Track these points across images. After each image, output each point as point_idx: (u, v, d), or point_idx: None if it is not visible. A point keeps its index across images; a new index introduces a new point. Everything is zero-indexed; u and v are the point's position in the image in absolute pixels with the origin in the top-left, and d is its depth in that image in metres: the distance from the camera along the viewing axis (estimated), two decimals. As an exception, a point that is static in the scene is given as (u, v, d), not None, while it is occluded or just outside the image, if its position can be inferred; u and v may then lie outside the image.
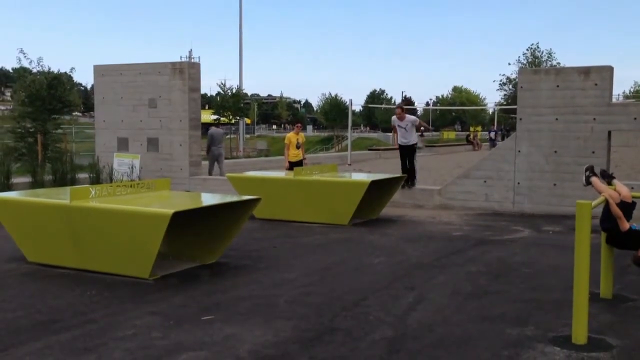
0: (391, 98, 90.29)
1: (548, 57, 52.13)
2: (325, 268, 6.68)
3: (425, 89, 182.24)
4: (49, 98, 18.42)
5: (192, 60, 34.79)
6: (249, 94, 70.56)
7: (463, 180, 11.48)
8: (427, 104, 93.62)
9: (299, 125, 13.84)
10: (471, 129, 54.17)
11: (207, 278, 6.22)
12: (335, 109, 61.83)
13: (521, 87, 11.00)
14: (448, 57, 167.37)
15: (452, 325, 4.74)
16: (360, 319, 4.87)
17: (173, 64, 13.74)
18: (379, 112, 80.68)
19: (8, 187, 10.86)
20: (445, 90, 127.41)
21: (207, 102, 56.49)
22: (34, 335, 4.44)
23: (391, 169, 18.94)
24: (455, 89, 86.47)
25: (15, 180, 11.75)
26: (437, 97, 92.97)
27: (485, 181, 11.16)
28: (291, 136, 13.15)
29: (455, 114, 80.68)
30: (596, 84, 10.29)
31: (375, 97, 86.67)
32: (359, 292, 5.66)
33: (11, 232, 6.91)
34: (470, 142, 42.98)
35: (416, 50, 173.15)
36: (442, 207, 11.33)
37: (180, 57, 49.15)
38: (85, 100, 55.36)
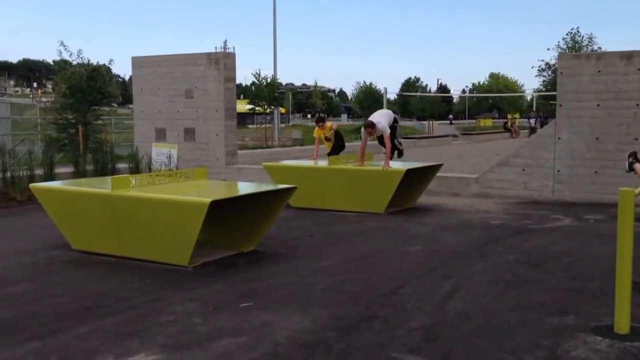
0: (426, 86, 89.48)
1: (589, 41, 50.89)
2: (361, 256, 6.69)
3: (461, 76, 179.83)
4: (88, 90, 18.84)
5: (227, 51, 35.01)
6: (284, 83, 70.81)
7: (501, 168, 11.32)
8: (463, 91, 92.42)
9: (320, 124, 12.68)
10: (509, 116, 53.26)
11: (245, 266, 6.30)
12: (369, 98, 61.67)
13: (561, 72, 10.76)
14: (485, 44, 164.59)
15: (490, 313, 4.70)
16: (397, 307, 4.87)
17: (209, 54, 13.86)
18: (413, 100, 80.00)
19: (52, 177, 11.15)
20: (481, 77, 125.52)
21: (242, 92, 56.88)
22: (79, 320, 4.57)
23: (427, 157, 18.79)
24: (492, 75, 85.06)
25: (59, 170, 12.05)
26: (473, 84, 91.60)
27: (523, 169, 10.99)
28: (317, 131, 12.71)
29: (492, 101, 79.44)
30: (639, 69, 10.01)
31: (410, 85, 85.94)
32: (395, 280, 5.66)
33: (56, 220, 7.11)
34: (507, 129, 42.30)
35: (452, 37, 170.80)
36: (479, 195, 11.20)
37: (215, 47, 49.51)
38: (124, 91, 56.36)
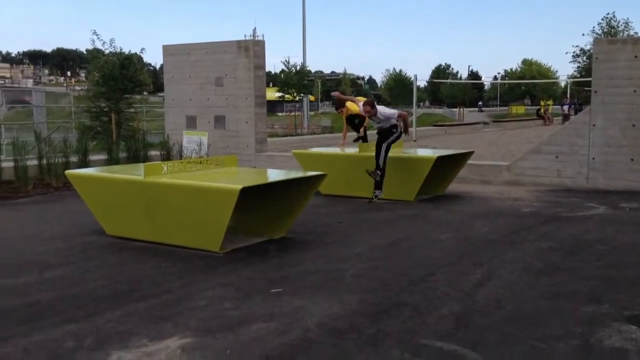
0: (457, 72, 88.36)
1: (625, 26, 49.62)
2: (390, 243, 6.68)
3: (493, 62, 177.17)
4: (121, 78, 19.06)
5: (257, 38, 35.07)
6: (313, 70, 70.63)
7: (533, 156, 11.15)
8: (495, 78, 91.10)
9: (341, 110, 11.71)
10: (542, 103, 52.32)
11: (275, 252, 6.34)
12: (399, 85, 61.15)
13: (596, 58, 10.52)
14: (518, 29, 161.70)
15: (522, 301, 4.66)
16: (427, 293, 4.86)
17: (238, 42, 13.91)
18: (444, 87, 79.14)
19: (86, 164, 11.36)
20: (514, 64, 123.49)
21: (272, 79, 56.97)
22: (114, 303, 4.67)
23: (457, 145, 18.62)
24: (525, 62, 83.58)
25: (93, 157, 12.27)
26: (505, 70, 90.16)
27: (557, 156, 10.81)
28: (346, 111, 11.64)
29: (525, 88, 78.09)
30: (679, 53, 9.73)
31: (441, 72, 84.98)
32: (425, 267, 5.64)
33: (90, 206, 7.25)
34: (540, 116, 41.61)
35: (484, 23, 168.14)
36: (511, 183, 11.06)
37: (245, 35, 49.68)
38: (155, 80, 56.94)
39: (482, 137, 26.33)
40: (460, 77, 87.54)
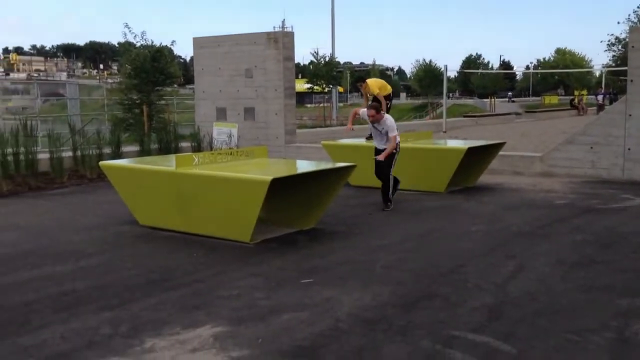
0: (488, 63, 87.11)
1: (663, 13, 48.11)
2: (421, 235, 6.65)
3: (525, 52, 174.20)
4: (152, 70, 19.24)
5: (286, 30, 35.08)
6: (342, 62, 70.48)
7: (567, 147, 10.95)
8: (527, 67, 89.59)
9: (360, 84, 11.01)
10: (576, 92, 51.34)
11: (305, 243, 6.37)
12: (429, 76, 60.51)
13: (632, 46, 10.26)
14: (550, 18, 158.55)
15: (556, 294, 4.59)
16: (459, 285, 4.82)
17: (268, 33, 13.93)
18: (475, 77, 78.08)
19: (119, 155, 11.54)
20: (547, 53, 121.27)
21: (301, 71, 56.97)
22: (148, 292, 4.75)
23: (488, 135, 18.38)
24: (558, 51, 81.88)
25: (125, 149, 12.46)
26: (538, 60, 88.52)
27: (591, 147, 10.59)
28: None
29: (558, 78, 76.58)
30: None
31: (471, 62, 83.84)
32: (456, 259, 5.60)
33: (123, 196, 7.37)
34: (574, 106, 40.78)
35: (515, 12, 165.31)
36: (544, 174, 10.89)
37: (274, 27, 49.77)
38: (185, 72, 57.43)
39: (514, 127, 25.95)
40: (492, 67, 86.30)
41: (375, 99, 10.45)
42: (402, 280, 4.99)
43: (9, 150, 10.17)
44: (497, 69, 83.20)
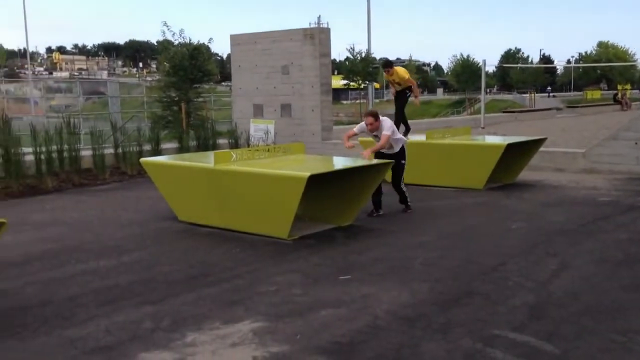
0: (527, 57, 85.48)
1: None
2: (459, 232, 6.58)
3: (566, 46, 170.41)
4: (190, 68, 19.47)
5: (321, 26, 35.08)
6: (378, 57, 70.08)
7: (610, 142, 10.68)
8: (569, 61, 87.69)
9: (387, 69, 10.33)
10: (619, 87, 49.92)
11: (342, 239, 6.37)
12: (467, 71, 59.74)
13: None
14: (592, 10, 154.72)
15: (600, 293, 4.49)
16: (499, 283, 4.76)
17: (304, 30, 13.95)
18: (514, 72, 76.77)
19: (158, 152, 11.73)
20: (589, 47, 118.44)
21: (336, 67, 56.89)
22: (188, 287, 4.82)
23: (528, 131, 18.05)
24: (600, 44, 79.85)
25: (164, 145, 12.66)
26: (579, 54, 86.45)
27: (636, 143, 10.30)
28: (386, 76, 10.71)
29: (601, 72, 74.66)
30: None
31: (510, 56, 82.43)
32: (496, 256, 5.52)
33: (163, 193, 7.49)
34: (618, 101, 39.75)
35: (556, 5, 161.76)
36: (586, 171, 10.64)
37: (310, 23, 49.78)
38: (221, 69, 57.97)
39: (555, 123, 25.43)
40: (531, 61, 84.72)
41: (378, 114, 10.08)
42: (441, 277, 4.95)
43: (54, 147, 10.44)
44: (537, 64, 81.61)
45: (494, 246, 5.93)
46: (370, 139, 8.89)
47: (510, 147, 9.12)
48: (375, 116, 7.43)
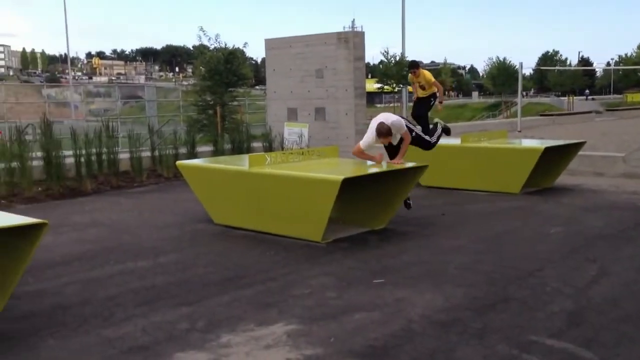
0: (566, 59, 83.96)
1: None
2: (495, 236, 6.49)
3: (605, 48, 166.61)
4: (225, 72, 19.72)
5: (355, 30, 35.06)
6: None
7: (652, 146, 10.40)
8: (608, 64, 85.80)
9: (413, 70, 10.21)
10: (660, 89, 48.63)
11: (376, 243, 6.35)
12: (503, 74, 59.00)
13: None
14: (633, 12, 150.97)
15: (641, 300, 4.38)
16: (537, 289, 4.68)
17: (338, 34, 13.96)
18: (551, 75, 75.47)
19: (194, 155, 11.88)
20: (629, 49, 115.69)
21: (370, 71, 56.82)
22: (222, 289, 4.87)
23: (566, 135, 17.71)
24: (641, 46, 77.93)
25: (200, 149, 12.81)
26: (619, 56, 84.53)
27: (679, 146, 10.02)
28: (410, 77, 10.46)
29: (642, 74, 72.83)
30: None
31: (548, 59, 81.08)
32: (533, 261, 5.43)
33: (199, 195, 7.58)
34: (659, 104, 38.68)
35: (595, 6, 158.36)
36: (627, 175, 10.39)
37: (343, 27, 49.94)
38: (256, 73, 58.41)
39: (594, 127, 24.90)
40: (570, 64, 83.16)
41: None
42: (476, 282, 4.89)
43: (93, 150, 10.66)
44: (575, 66, 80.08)
45: (531, 251, 5.83)
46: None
47: (547, 150, 8.97)
48: (389, 133, 7.04)
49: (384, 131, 6.95)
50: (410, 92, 13.74)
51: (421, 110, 10.23)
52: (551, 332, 3.84)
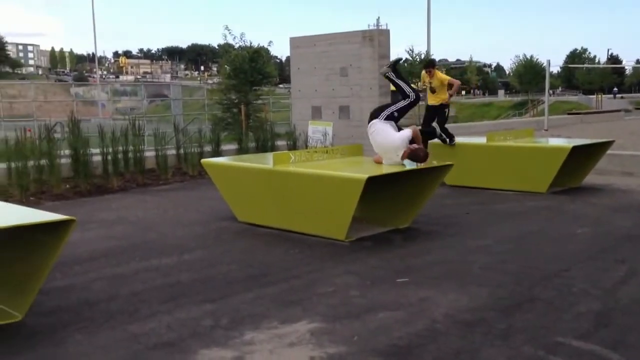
0: (594, 57, 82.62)
1: None
2: (521, 236, 6.41)
3: (635, 45, 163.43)
4: (250, 71, 19.82)
5: (380, 28, 34.88)
6: (437, 59, 69.18)
7: (683, 145, 10.18)
8: (638, 61, 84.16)
9: (429, 70, 10.08)
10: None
11: (400, 242, 6.32)
12: (530, 72, 58.28)
13: None
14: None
15: (671, 303, 4.29)
16: (563, 290, 4.61)
17: (363, 32, 13.92)
18: (579, 73, 74.32)
19: (218, 154, 11.95)
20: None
21: (395, 69, 56.49)
22: (246, 286, 4.89)
23: (594, 134, 17.42)
24: (672, 42, 76.23)
25: (224, 147, 12.89)
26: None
27: None
28: (424, 75, 10.22)
29: (674, 72, 71.34)
30: None
31: (576, 56, 79.86)
32: (560, 262, 5.36)
33: (223, 193, 7.63)
34: (691, 102, 37.85)
35: (625, 3, 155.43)
36: (657, 174, 10.19)
37: (368, 25, 49.75)
38: (280, 71, 58.59)
39: (623, 125, 24.44)
40: (599, 61, 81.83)
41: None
42: (502, 282, 4.84)
43: (119, 148, 10.80)
44: (604, 64, 78.72)
45: (558, 251, 5.76)
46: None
47: (575, 149, 8.84)
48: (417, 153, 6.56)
49: (417, 150, 6.47)
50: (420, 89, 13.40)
51: (437, 117, 9.87)
52: (578, 333, 3.78)
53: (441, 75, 10.23)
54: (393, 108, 6.93)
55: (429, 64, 10.36)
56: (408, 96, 6.98)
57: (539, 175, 8.94)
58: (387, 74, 7.08)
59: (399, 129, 6.87)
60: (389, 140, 6.68)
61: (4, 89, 29.54)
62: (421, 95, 9.72)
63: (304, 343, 3.76)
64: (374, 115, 6.96)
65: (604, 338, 3.70)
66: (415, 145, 6.58)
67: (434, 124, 9.84)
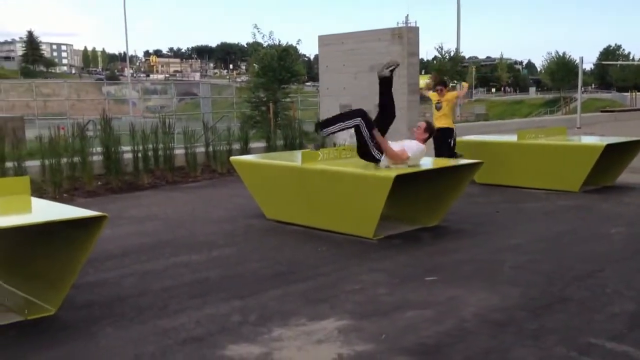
0: (629, 54, 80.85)
1: None
2: (553, 236, 6.31)
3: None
4: (279, 69, 19.86)
5: (409, 25, 34.71)
6: (467, 56, 68.49)
7: None
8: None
9: (439, 88, 10.51)
10: None
11: (429, 240, 6.27)
12: (562, 69, 57.33)
13: None
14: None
15: None
16: (596, 290, 4.52)
17: (392, 29, 13.85)
18: (613, 70, 72.84)
19: (247, 151, 12.03)
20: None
21: (424, 67, 56.18)
22: (275, 283, 4.91)
23: (628, 132, 17.05)
24: None
25: (253, 145, 12.95)
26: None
27: None
28: (432, 95, 10.74)
29: None
30: None
31: (610, 53, 78.26)
32: (593, 262, 5.26)
33: (252, 191, 7.67)
34: None
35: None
36: (694, 173, 9.92)
37: (397, 22, 49.56)
38: (308, 70, 58.65)
39: (658, 123, 23.89)
40: (633, 58, 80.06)
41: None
42: (533, 282, 4.77)
43: (150, 146, 10.94)
44: (639, 61, 77.04)
45: (590, 251, 5.65)
46: (458, 139, 10.06)
47: (609, 147, 8.66)
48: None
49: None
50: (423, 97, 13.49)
51: (442, 151, 10.06)
52: (611, 334, 3.71)
53: (450, 94, 10.55)
54: (368, 131, 6.52)
55: (441, 82, 10.63)
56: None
57: (572, 173, 8.79)
58: (385, 77, 7.10)
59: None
60: (415, 150, 6.62)
61: (38, 88, 30.18)
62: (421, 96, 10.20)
63: (332, 340, 3.75)
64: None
65: (638, 339, 3.62)
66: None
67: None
